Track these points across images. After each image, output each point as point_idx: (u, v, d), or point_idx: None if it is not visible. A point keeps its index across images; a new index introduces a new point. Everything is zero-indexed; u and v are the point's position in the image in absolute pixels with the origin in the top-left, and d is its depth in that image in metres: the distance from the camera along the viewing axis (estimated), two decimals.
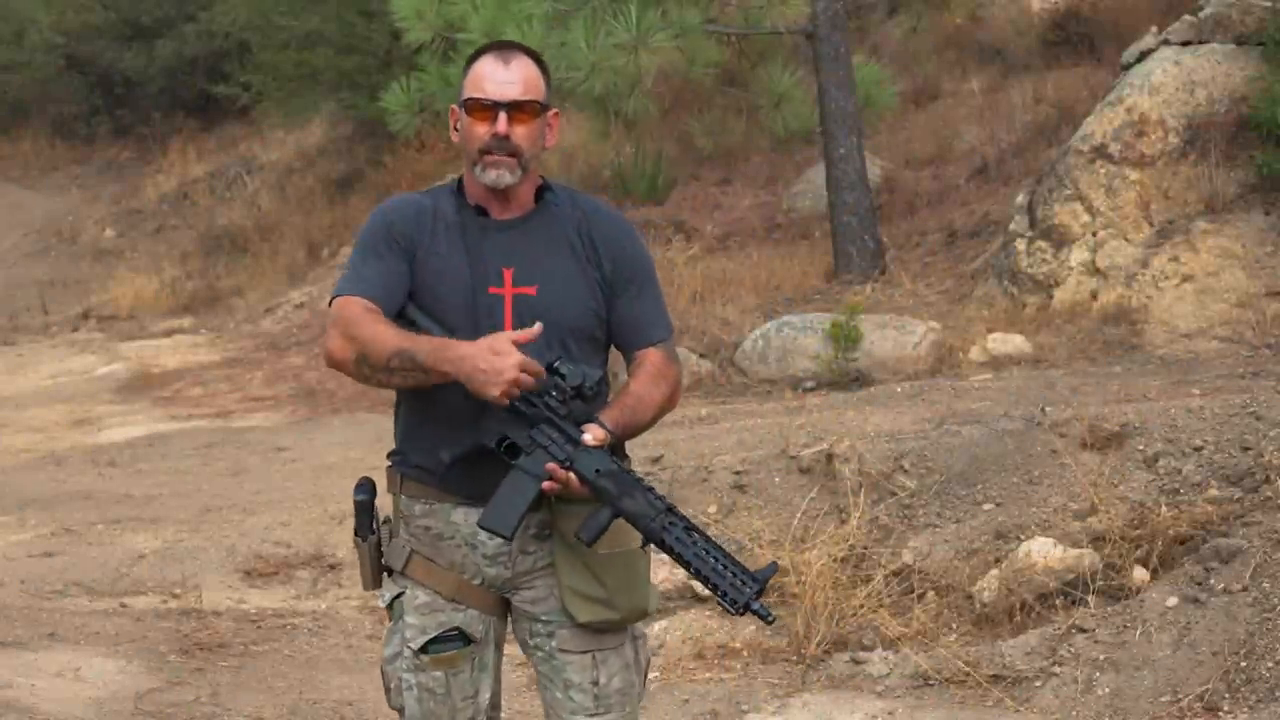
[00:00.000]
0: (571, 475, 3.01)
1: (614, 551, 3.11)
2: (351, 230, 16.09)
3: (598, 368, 3.18)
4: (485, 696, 3.25)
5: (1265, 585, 5.30)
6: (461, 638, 3.20)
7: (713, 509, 6.38)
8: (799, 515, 6.29)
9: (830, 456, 6.49)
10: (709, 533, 5.78)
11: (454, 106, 3.21)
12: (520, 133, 3.13)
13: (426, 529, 3.22)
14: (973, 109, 13.31)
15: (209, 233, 17.92)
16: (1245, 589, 5.32)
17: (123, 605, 6.44)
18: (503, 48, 3.19)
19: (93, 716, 5.15)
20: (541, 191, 3.24)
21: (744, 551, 6.04)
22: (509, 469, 3.06)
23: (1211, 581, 5.41)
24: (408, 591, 3.23)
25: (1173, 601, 5.41)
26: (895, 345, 8.84)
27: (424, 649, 3.20)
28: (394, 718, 3.33)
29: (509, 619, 3.29)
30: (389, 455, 3.30)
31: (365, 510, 3.29)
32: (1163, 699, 5.13)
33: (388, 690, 3.27)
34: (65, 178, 21.10)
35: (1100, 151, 9.44)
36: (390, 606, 3.26)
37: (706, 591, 5.93)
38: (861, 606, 5.83)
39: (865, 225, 10.75)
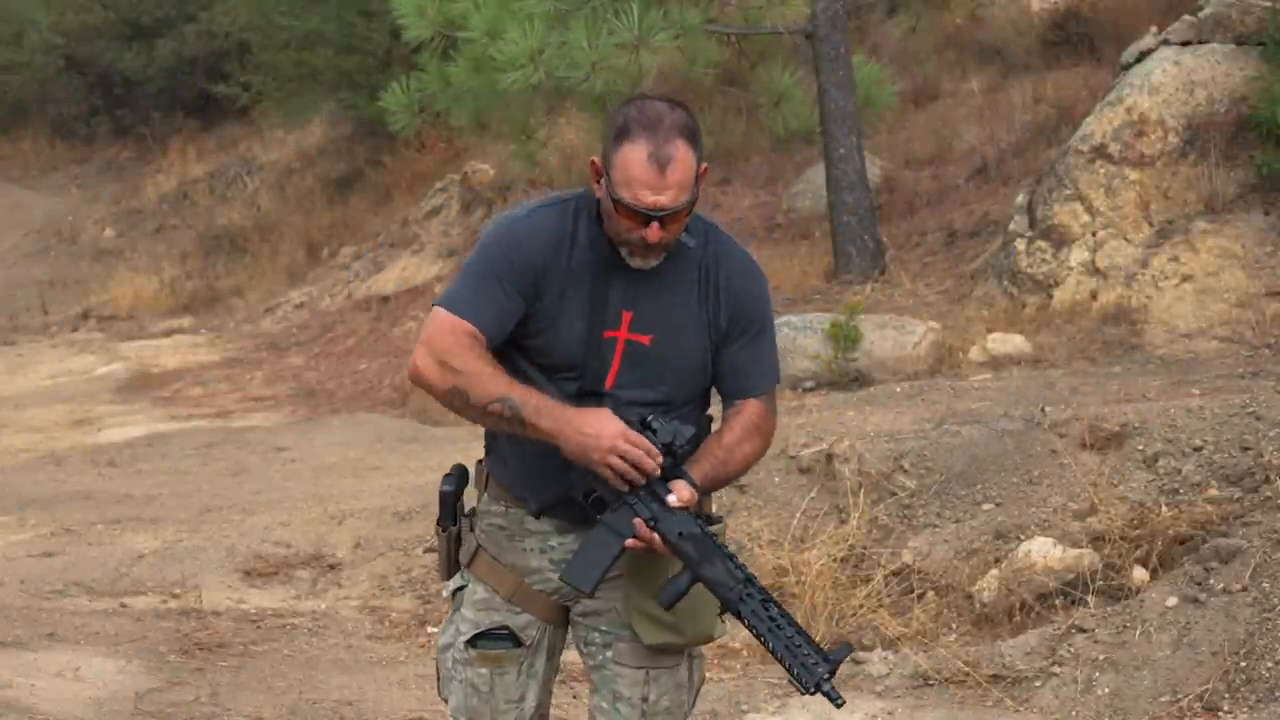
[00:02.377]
0: (655, 535, 2.98)
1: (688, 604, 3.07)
2: (351, 230, 16.10)
3: (693, 423, 3.12)
4: (531, 704, 3.22)
5: (1265, 585, 5.30)
6: (511, 639, 3.18)
7: (713, 509, 6.37)
8: (799, 515, 6.29)
9: (830, 456, 6.49)
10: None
11: (596, 160, 3.04)
12: (671, 230, 3.01)
13: (500, 527, 3.20)
14: (972, 109, 13.32)
15: (209, 233, 17.93)
16: (1245, 589, 5.32)
17: (122, 605, 6.44)
18: (657, 131, 2.95)
19: (93, 716, 5.15)
20: None
21: (744, 551, 6.04)
22: (594, 520, 3.04)
23: (1211, 581, 5.41)
24: (469, 585, 3.22)
25: (1172, 601, 5.41)
26: (895, 345, 8.84)
27: (473, 643, 3.19)
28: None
29: (568, 628, 3.26)
30: (486, 452, 3.26)
31: (450, 501, 3.23)
32: (1162, 699, 5.13)
33: (439, 679, 3.27)
34: (65, 178, 21.10)
35: (1100, 151, 9.44)
36: (453, 598, 3.26)
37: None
38: (861, 606, 5.83)
39: (865, 225, 10.75)
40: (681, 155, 2.96)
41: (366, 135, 17.43)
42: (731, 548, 3.19)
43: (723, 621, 3.20)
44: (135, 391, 11.96)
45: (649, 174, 2.94)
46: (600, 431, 2.95)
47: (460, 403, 3.01)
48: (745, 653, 5.84)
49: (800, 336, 8.95)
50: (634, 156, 2.94)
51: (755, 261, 3.22)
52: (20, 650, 5.66)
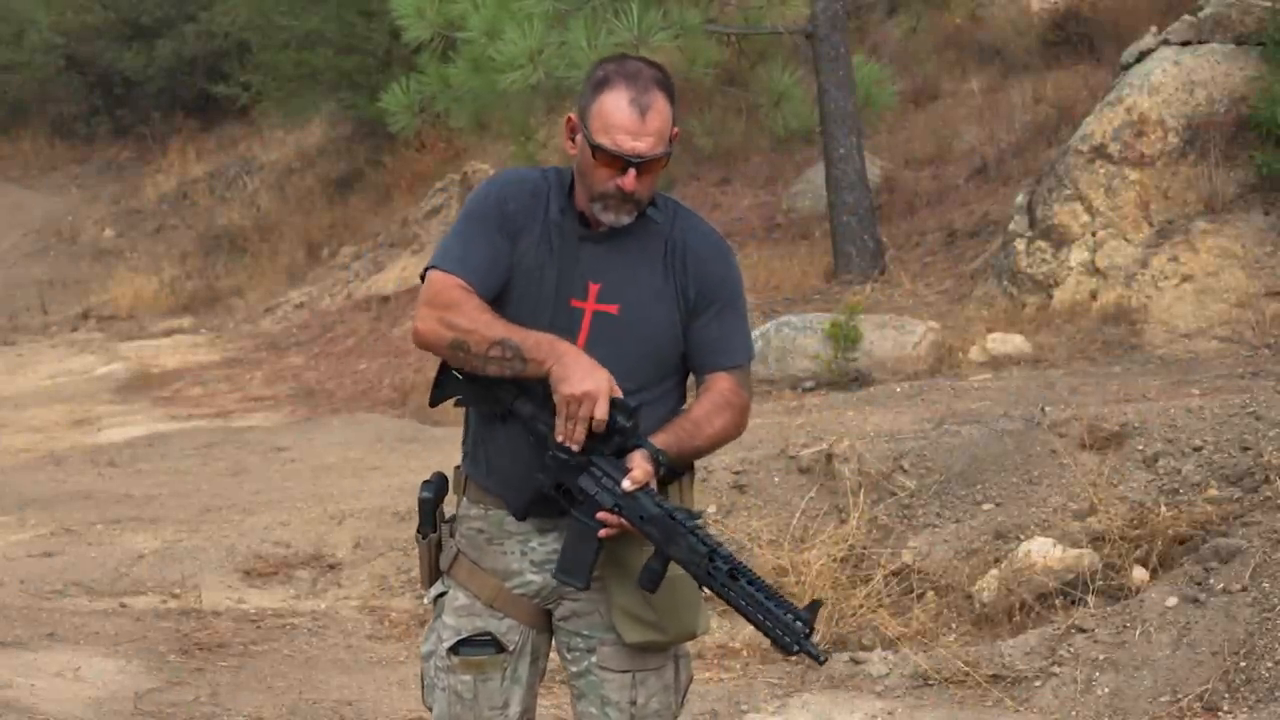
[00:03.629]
0: (624, 520, 2.99)
1: (668, 576, 3.05)
2: (351, 230, 16.11)
3: (670, 405, 3.14)
4: (515, 710, 3.20)
5: (1265, 585, 5.30)
6: (494, 644, 3.16)
7: (712, 509, 6.38)
8: (798, 515, 6.29)
9: (830, 456, 6.49)
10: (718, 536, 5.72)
11: (572, 116, 3.09)
12: (646, 182, 3.05)
13: (479, 531, 3.19)
14: (972, 109, 13.32)
15: (209, 233, 17.93)
16: (1245, 589, 5.32)
17: (122, 605, 6.44)
18: (636, 80, 3.02)
19: (92, 716, 5.15)
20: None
21: (744, 551, 6.04)
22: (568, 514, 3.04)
23: (1211, 581, 5.41)
24: (450, 592, 3.20)
25: (1172, 601, 5.41)
26: (895, 345, 8.84)
27: (455, 650, 3.17)
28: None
29: (550, 632, 3.24)
30: (464, 456, 3.26)
31: (429, 508, 3.25)
32: (1162, 699, 5.13)
33: (423, 687, 3.26)
34: (65, 178, 21.10)
35: (1100, 151, 9.44)
36: (434, 604, 3.24)
37: (706, 591, 5.92)
38: (861, 606, 5.83)
39: (865, 225, 10.75)
40: (660, 105, 3.01)
41: (366, 135, 17.44)
42: (731, 547, 3.18)
43: (712, 613, 3.18)
44: (135, 391, 11.96)
45: (629, 119, 2.99)
46: (583, 377, 2.94)
47: (463, 354, 3.02)
48: (745, 653, 5.84)
49: (800, 336, 8.95)
50: (615, 103, 3.00)
51: (723, 238, 3.26)
52: (20, 650, 5.66)
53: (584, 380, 2.94)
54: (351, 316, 13.30)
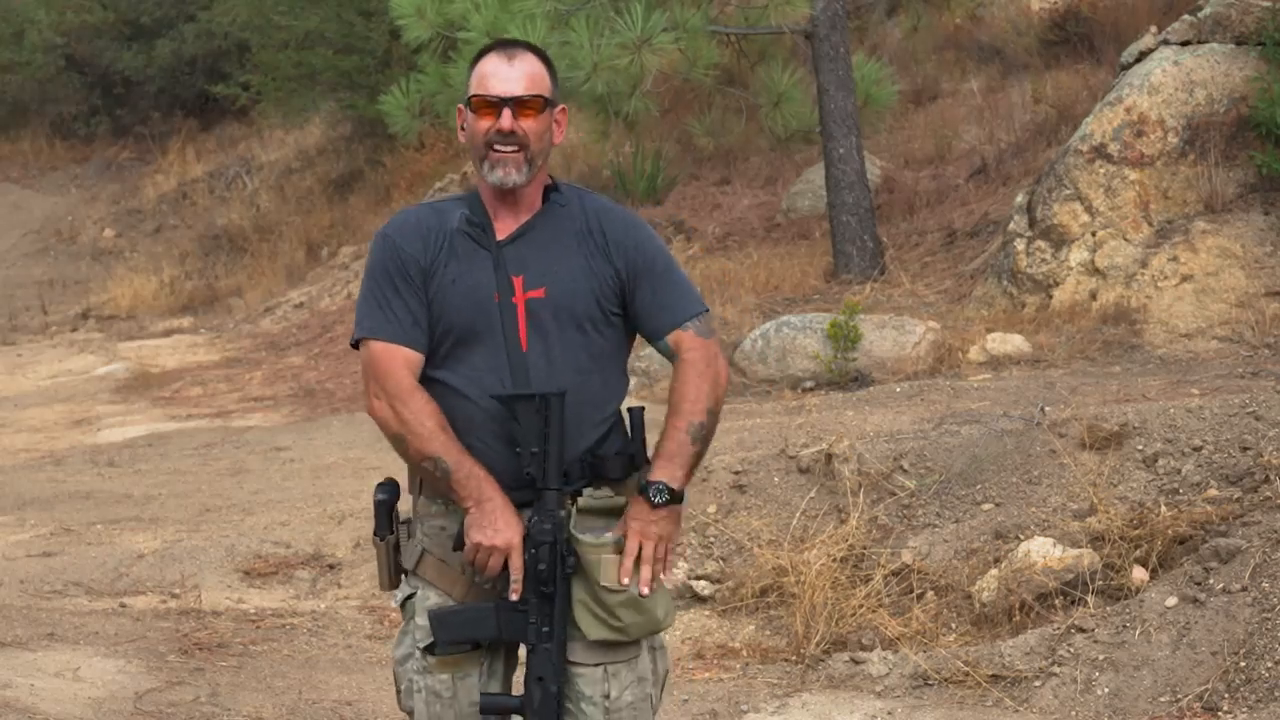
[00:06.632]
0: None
1: (626, 596, 3.12)
2: (351, 230, 16.11)
3: (615, 390, 3.22)
4: None
5: (1265, 585, 5.30)
6: (469, 641, 3.18)
7: (712, 509, 6.38)
8: (798, 515, 6.29)
9: (829, 456, 6.49)
10: (708, 533, 5.76)
11: (460, 106, 3.23)
12: (526, 127, 3.13)
13: (441, 529, 3.20)
14: (972, 109, 13.32)
15: (208, 233, 17.93)
16: (1245, 589, 5.32)
17: (122, 605, 6.44)
18: (507, 45, 3.20)
19: (92, 716, 5.15)
20: (548, 192, 3.24)
21: (744, 551, 6.05)
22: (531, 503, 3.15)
23: (1211, 581, 5.41)
24: (419, 592, 3.21)
25: (1172, 601, 5.41)
26: (894, 345, 8.84)
27: (431, 650, 3.18)
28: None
29: None
30: None
31: (385, 510, 3.26)
32: (1162, 699, 5.13)
33: (399, 691, 3.26)
34: (65, 178, 21.09)
35: (1099, 151, 9.44)
36: (403, 607, 3.24)
37: (706, 591, 5.92)
38: (861, 606, 5.83)
39: (864, 225, 10.75)
40: (529, 58, 3.17)
41: (366, 135, 17.44)
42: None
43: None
44: (135, 391, 11.95)
45: (497, 66, 3.15)
46: (497, 530, 3.08)
47: (401, 448, 3.16)
48: (745, 653, 5.84)
49: (800, 336, 8.95)
50: (485, 62, 3.18)
51: (633, 212, 3.37)
52: (20, 650, 5.65)
53: (496, 534, 3.07)
54: (351, 316, 13.26)
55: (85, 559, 6.90)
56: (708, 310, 3.28)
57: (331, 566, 6.84)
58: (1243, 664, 5.12)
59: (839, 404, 7.81)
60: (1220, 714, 5.02)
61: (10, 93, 21.78)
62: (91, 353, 13.72)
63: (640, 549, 3.10)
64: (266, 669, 5.75)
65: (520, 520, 3.09)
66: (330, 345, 12.74)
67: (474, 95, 3.15)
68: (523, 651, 3.20)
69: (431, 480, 3.14)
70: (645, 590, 3.10)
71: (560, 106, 3.22)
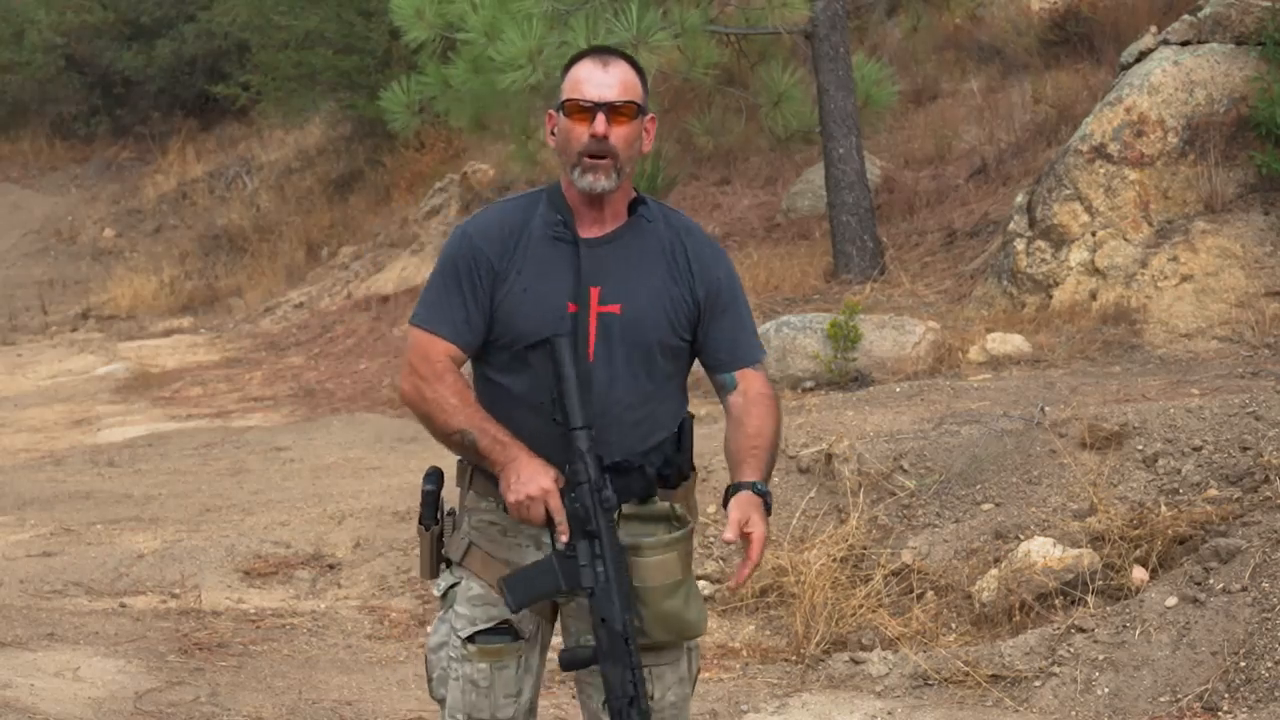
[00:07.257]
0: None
1: (685, 580, 3.19)
2: (350, 230, 16.11)
3: (672, 409, 3.25)
4: (527, 697, 3.25)
5: (1265, 585, 5.30)
6: (511, 633, 3.21)
7: (712, 509, 6.37)
8: (798, 515, 6.30)
9: (829, 456, 6.49)
10: (708, 533, 5.76)
11: (551, 111, 3.23)
12: (618, 134, 3.13)
13: (492, 523, 3.23)
14: (972, 109, 13.32)
15: (208, 233, 17.93)
16: (1245, 589, 5.32)
17: (122, 605, 6.44)
18: (601, 52, 3.22)
19: (92, 716, 5.15)
20: (634, 204, 3.24)
21: (743, 552, 6.03)
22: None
23: (1211, 581, 5.41)
24: (463, 582, 3.24)
25: (1172, 601, 5.41)
26: (894, 345, 8.84)
27: (472, 639, 3.20)
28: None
29: (557, 623, 3.30)
30: None
31: (431, 500, 3.30)
32: (1162, 699, 5.13)
33: (430, 679, 3.29)
34: (65, 178, 21.09)
35: (1099, 151, 9.44)
36: (444, 596, 3.28)
37: (706, 591, 5.92)
38: (861, 606, 5.83)
39: (864, 225, 10.75)
40: (624, 67, 3.18)
41: (366, 135, 17.44)
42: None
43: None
44: (135, 391, 11.96)
45: (593, 72, 3.16)
46: (529, 479, 3.08)
47: (429, 425, 3.19)
48: (745, 653, 5.84)
49: (800, 336, 8.95)
50: (580, 68, 3.18)
51: (715, 239, 3.40)
52: (20, 650, 5.65)
53: (528, 483, 3.07)
54: (351, 316, 13.30)
55: (85, 559, 6.90)
56: (766, 355, 3.39)
57: (331, 566, 6.84)
58: (1243, 664, 5.12)
59: (839, 404, 7.81)
60: (1220, 714, 5.02)
61: (10, 93, 21.78)
62: (91, 353, 13.72)
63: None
64: (266, 669, 5.75)
65: (552, 468, 3.10)
66: (330, 345, 12.74)
67: (568, 99, 3.15)
68: (557, 639, 3.26)
69: (463, 452, 3.17)
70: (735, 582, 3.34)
71: (650, 115, 3.23)
